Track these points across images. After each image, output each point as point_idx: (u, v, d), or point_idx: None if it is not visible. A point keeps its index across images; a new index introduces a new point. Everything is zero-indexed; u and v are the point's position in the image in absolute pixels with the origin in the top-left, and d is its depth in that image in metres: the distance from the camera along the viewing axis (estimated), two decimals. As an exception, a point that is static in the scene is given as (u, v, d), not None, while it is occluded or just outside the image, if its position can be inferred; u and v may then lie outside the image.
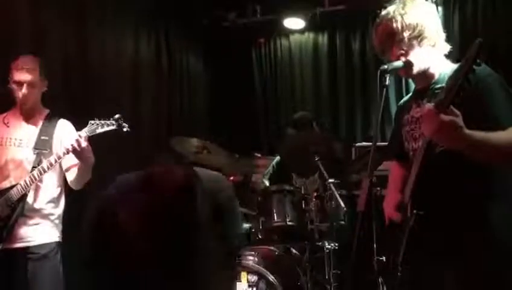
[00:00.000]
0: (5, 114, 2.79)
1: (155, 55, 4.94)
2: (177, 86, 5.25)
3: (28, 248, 2.67)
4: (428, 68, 1.94)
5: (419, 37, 1.89)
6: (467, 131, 1.58)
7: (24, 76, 2.64)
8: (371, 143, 2.17)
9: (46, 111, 2.84)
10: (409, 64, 1.92)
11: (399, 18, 1.90)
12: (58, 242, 2.78)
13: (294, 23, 5.52)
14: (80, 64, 3.85)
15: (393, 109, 5.14)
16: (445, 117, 1.56)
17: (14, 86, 2.66)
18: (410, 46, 1.90)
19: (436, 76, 1.92)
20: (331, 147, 3.71)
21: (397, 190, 2.05)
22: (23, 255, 2.66)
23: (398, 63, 2.01)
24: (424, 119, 1.69)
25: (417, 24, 1.88)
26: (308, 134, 3.92)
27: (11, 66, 2.67)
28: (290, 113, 5.54)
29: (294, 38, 5.77)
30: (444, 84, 1.69)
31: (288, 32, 5.75)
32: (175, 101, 5.19)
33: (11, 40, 3.23)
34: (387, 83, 1.96)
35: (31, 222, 2.69)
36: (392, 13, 1.94)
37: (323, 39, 5.63)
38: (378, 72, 1.94)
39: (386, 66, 1.98)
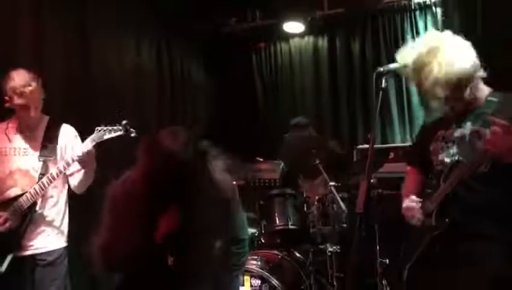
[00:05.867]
0: (6, 123, 2.79)
1: (156, 63, 4.96)
2: (178, 92, 5.27)
3: (36, 255, 2.69)
4: (471, 95, 1.99)
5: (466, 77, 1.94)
6: None
7: (26, 100, 2.63)
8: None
9: (47, 118, 2.85)
10: (455, 99, 1.99)
11: (445, 67, 1.92)
12: (65, 247, 2.80)
13: (294, 27, 5.54)
14: (82, 74, 3.86)
15: (394, 111, 5.16)
16: None
17: (17, 107, 2.65)
18: (457, 88, 1.94)
19: (481, 101, 2.01)
20: (327, 146, 3.74)
21: (413, 193, 2.20)
22: (31, 262, 2.68)
23: (394, 65, 2.04)
24: (496, 135, 1.78)
25: (462, 68, 1.92)
26: (303, 136, 3.95)
27: (8, 84, 2.61)
28: (291, 116, 5.57)
29: (294, 42, 5.80)
30: (489, 110, 1.89)
31: (288, 37, 5.77)
32: (177, 108, 5.21)
33: (12, 52, 3.24)
34: (383, 85, 1.99)
35: (39, 229, 2.70)
36: (435, 63, 1.94)
37: (323, 42, 5.66)
38: (374, 74, 1.97)
39: (382, 69, 2.00)
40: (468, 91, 1.96)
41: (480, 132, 1.94)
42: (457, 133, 2.04)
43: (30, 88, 2.63)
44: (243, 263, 2.27)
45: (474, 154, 1.93)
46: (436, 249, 2.01)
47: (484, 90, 2.03)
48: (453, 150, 2.04)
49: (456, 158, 2.02)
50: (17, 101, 2.63)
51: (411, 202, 2.16)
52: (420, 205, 2.13)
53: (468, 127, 2.01)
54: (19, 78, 2.63)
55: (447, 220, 1.97)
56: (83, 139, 2.79)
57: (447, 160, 2.05)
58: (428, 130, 2.23)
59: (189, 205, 1.50)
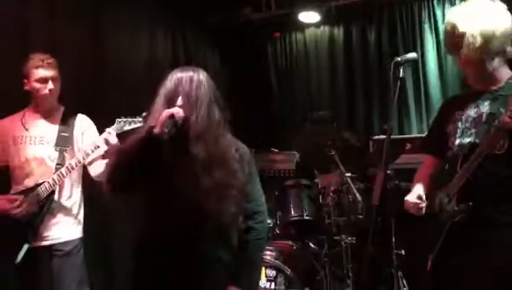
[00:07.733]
0: (22, 112, 2.82)
1: (172, 52, 4.96)
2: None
3: (52, 245, 2.72)
4: (493, 73, 1.96)
5: (488, 43, 1.88)
6: None
7: (48, 72, 2.68)
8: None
9: (62, 108, 2.88)
10: (475, 70, 1.96)
11: (467, 23, 1.90)
12: (81, 238, 2.83)
13: (309, 17, 5.48)
14: (96, 64, 3.88)
15: (411, 101, 5.09)
16: None
17: (37, 84, 2.68)
18: (478, 52, 1.90)
19: (501, 82, 1.95)
20: (342, 136, 3.71)
21: (422, 182, 2.14)
22: (48, 252, 2.71)
23: (412, 55, 2.01)
24: None
25: (486, 31, 1.87)
26: (319, 129, 3.92)
27: (27, 66, 2.68)
28: (306, 107, 5.53)
29: (309, 32, 5.74)
30: (509, 92, 1.82)
31: (303, 26, 5.71)
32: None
33: (24, 44, 3.26)
34: (401, 75, 1.97)
35: (56, 219, 2.73)
36: (461, 17, 1.94)
37: (338, 32, 5.59)
38: (392, 64, 1.95)
39: (399, 58, 1.99)
40: (492, 67, 1.92)
41: (498, 113, 1.88)
42: (475, 112, 1.98)
43: (49, 60, 2.69)
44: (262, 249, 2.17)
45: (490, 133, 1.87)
46: (455, 237, 1.95)
47: (506, 72, 1.98)
48: (471, 131, 1.97)
49: (473, 140, 1.94)
50: (36, 75, 2.67)
51: (411, 198, 2.11)
52: (422, 201, 2.07)
53: (485, 107, 1.94)
54: (37, 55, 2.70)
55: (470, 203, 1.89)
56: (97, 131, 2.81)
57: (464, 142, 1.98)
58: (446, 112, 2.15)
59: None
